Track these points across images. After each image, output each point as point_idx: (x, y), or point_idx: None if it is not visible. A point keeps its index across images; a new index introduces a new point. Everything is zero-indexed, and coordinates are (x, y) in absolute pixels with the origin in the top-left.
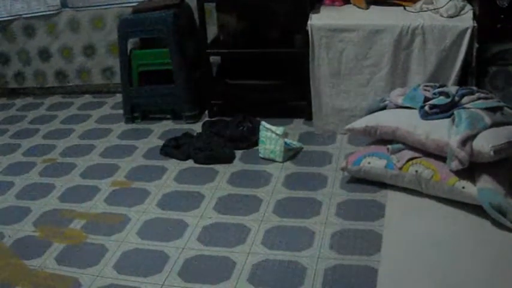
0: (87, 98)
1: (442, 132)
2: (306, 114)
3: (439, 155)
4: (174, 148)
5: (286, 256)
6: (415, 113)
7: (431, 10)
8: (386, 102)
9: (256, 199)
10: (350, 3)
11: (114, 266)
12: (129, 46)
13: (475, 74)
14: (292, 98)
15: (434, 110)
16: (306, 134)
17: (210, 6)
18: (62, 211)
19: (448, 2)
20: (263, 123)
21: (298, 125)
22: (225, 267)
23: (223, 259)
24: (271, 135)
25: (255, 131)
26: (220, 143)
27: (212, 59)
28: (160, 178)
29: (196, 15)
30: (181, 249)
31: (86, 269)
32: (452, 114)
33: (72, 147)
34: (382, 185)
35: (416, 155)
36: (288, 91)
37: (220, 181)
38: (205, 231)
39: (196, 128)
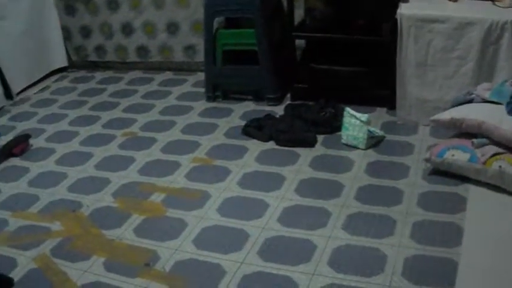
0: (168, 75)
1: None
2: (389, 103)
3: None
4: (256, 129)
5: (367, 243)
6: (502, 108)
7: None
8: (473, 95)
9: (337, 184)
10: None
11: (193, 241)
12: (215, 25)
13: None
14: (376, 86)
15: None
16: (388, 123)
17: None
18: (142, 184)
19: None
20: (347, 109)
21: (380, 114)
22: (305, 250)
23: (303, 241)
24: (355, 122)
25: (338, 116)
26: (302, 126)
27: (296, 42)
28: (242, 157)
29: None
30: (261, 229)
31: (165, 242)
32: None
33: (152, 122)
34: (463, 178)
35: (501, 150)
36: (372, 79)
37: (302, 164)
38: (286, 212)
39: (278, 110)
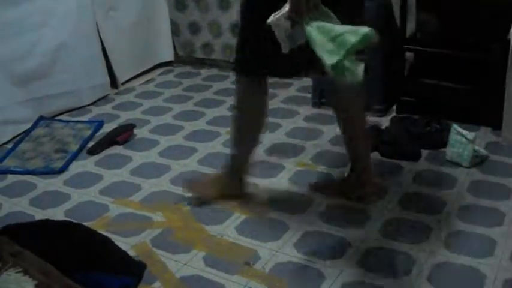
0: (273, 78)
1: None
2: (495, 123)
3: None
4: None
5: (466, 261)
6: None
7: None
8: None
9: (439, 200)
10: None
11: (294, 245)
12: None
13: None
14: (482, 105)
15: None
16: (492, 143)
17: (409, 2)
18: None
19: None
20: (455, 126)
21: (485, 133)
22: (405, 263)
23: (403, 254)
24: (461, 139)
25: (443, 132)
26: (407, 139)
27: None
28: (346, 165)
29: (394, 9)
30: (362, 238)
31: (266, 243)
32: None
33: None
34: None
35: None
36: (479, 97)
37: (406, 177)
38: (387, 224)
39: (382, 121)
